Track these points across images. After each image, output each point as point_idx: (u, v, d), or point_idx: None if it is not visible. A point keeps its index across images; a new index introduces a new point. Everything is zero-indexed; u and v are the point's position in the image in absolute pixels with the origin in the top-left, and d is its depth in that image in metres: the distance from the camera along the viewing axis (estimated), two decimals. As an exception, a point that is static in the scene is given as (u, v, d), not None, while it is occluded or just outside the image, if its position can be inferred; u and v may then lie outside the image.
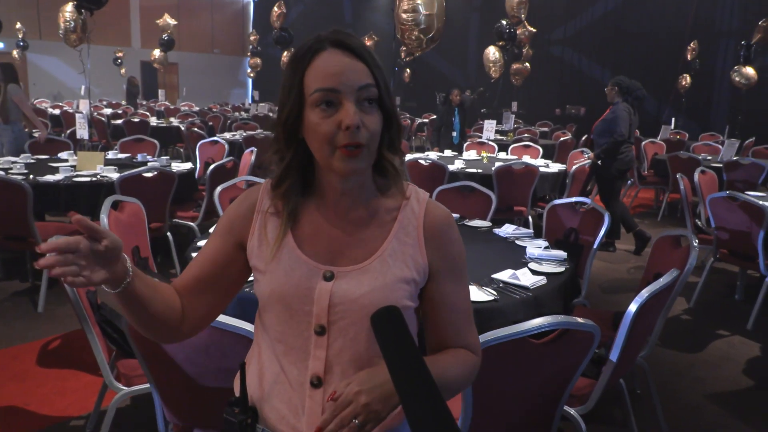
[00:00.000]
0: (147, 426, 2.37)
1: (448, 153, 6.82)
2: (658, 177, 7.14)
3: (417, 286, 1.02)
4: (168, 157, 6.24)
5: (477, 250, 2.60)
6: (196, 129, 8.34)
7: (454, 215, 1.11)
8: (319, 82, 0.92)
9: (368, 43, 14.53)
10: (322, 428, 0.86)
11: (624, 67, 11.55)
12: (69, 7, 6.94)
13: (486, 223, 3.13)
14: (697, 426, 2.66)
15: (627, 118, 5.08)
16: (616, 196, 5.39)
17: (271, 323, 1.02)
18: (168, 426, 1.81)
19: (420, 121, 13.90)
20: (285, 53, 12.94)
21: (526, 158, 6.19)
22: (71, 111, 11.08)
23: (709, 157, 7.20)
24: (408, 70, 15.98)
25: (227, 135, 8.29)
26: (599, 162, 5.23)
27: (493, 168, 4.99)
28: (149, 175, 3.98)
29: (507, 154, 6.99)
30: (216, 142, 6.15)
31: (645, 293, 1.84)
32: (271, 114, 12.40)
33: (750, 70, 10.28)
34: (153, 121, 10.31)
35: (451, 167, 5.16)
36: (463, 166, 5.51)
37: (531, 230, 3.01)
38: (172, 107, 14.65)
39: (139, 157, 5.35)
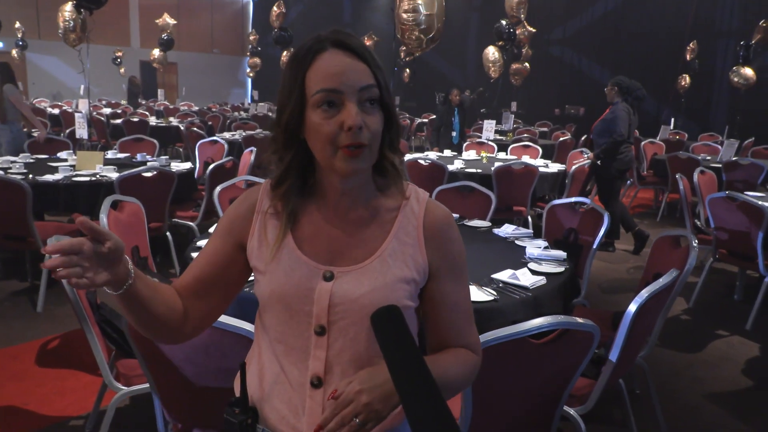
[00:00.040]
0: (146, 426, 2.36)
1: (447, 153, 6.82)
2: (657, 177, 7.15)
3: (417, 286, 1.02)
4: (167, 156, 6.24)
5: (476, 250, 2.60)
6: (195, 129, 8.33)
7: (454, 215, 1.11)
8: (320, 83, 0.92)
9: (368, 42, 14.53)
10: (323, 426, 0.86)
11: (623, 67, 11.55)
12: (68, 7, 6.94)
13: (485, 223, 3.13)
14: (696, 426, 2.66)
15: (626, 118, 5.08)
16: (616, 196, 5.40)
17: (271, 323, 1.02)
18: (168, 426, 1.81)
19: (419, 120, 13.90)
20: (285, 53, 12.93)
21: (526, 158, 6.19)
22: (70, 110, 11.07)
23: (708, 158, 7.21)
24: (407, 70, 15.97)
25: (226, 135, 8.29)
26: (599, 162, 5.23)
27: (492, 168, 4.99)
28: (149, 174, 3.98)
29: (506, 154, 6.99)
30: (215, 141, 6.14)
31: (645, 293, 1.84)
32: (270, 114, 12.40)
33: (748, 71, 10.28)
34: (152, 120, 10.31)
35: (450, 167, 5.16)
36: (462, 166, 5.51)
37: (530, 230, 3.01)
38: (171, 107, 14.65)
39: (139, 157, 5.35)
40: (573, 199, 3.29)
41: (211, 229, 2.69)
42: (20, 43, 16.39)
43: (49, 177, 4.06)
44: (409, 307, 1.01)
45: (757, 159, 6.70)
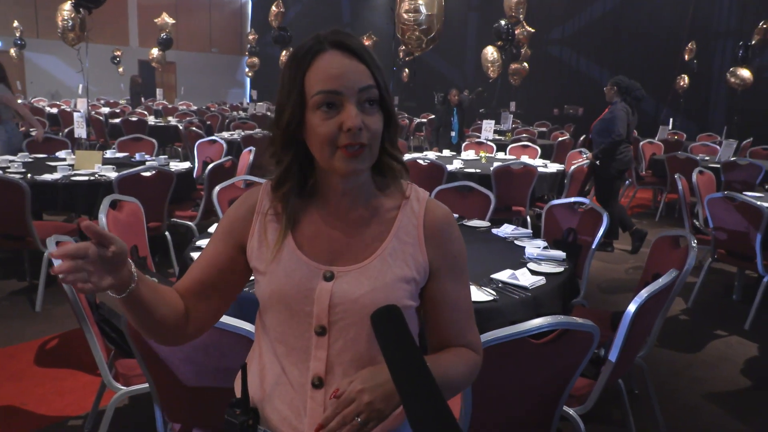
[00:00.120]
0: (146, 426, 2.36)
1: (446, 153, 6.82)
2: (656, 177, 7.15)
3: (417, 286, 1.02)
4: (166, 156, 6.23)
5: (476, 250, 2.60)
6: (194, 128, 8.32)
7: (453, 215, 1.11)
8: (320, 85, 0.92)
9: (367, 42, 14.52)
10: (324, 426, 0.86)
11: (622, 68, 11.56)
12: (67, 6, 6.93)
13: (485, 223, 3.13)
14: (695, 426, 2.66)
15: (625, 118, 5.09)
16: (615, 196, 5.41)
17: (272, 324, 1.02)
18: (167, 426, 1.81)
19: (418, 120, 13.90)
20: (283, 52, 12.93)
21: (525, 158, 6.20)
22: (69, 110, 11.06)
23: (707, 158, 7.21)
24: (406, 69, 15.98)
25: (225, 134, 8.28)
26: (597, 162, 5.24)
27: (491, 168, 5.00)
28: (147, 174, 3.98)
29: (505, 154, 7.00)
30: (214, 141, 6.14)
31: (644, 293, 1.84)
32: (269, 113, 12.39)
33: (745, 72, 10.30)
34: (151, 120, 10.29)
35: (449, 167, 5.16)
36: (461, 165, 5.51)
37: (530, 230, 3.01)
38: (170, 106, 14.63)
39: (137, 157, 5.34)
40: (572, 199, 3.29)
41: (211, 229, 2.69)
42: (19, 42, 16.37)
43: (47, 176, 4.05)
44: (410, 307, 1.01)
45: (755, 159, 6.71)
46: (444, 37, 5.52)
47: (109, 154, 5.48)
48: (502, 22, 9.60)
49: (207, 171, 4.26)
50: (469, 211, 3.47)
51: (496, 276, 2.17)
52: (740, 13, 12.59)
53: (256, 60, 16.72)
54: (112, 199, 2.81)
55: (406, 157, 5.33)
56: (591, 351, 1.60)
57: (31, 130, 5.73)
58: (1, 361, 2.97)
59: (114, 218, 2.76)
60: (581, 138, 8.53)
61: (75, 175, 4.16)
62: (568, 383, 1.68)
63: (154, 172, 4.01)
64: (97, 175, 4.18)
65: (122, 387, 2.01)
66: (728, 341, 3.59)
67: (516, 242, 2.74)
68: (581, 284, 2.87)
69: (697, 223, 4.62)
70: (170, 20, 14.78)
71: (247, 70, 17.61)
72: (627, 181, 7.17)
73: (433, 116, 12.31)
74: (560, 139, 8.73)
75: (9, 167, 4.41)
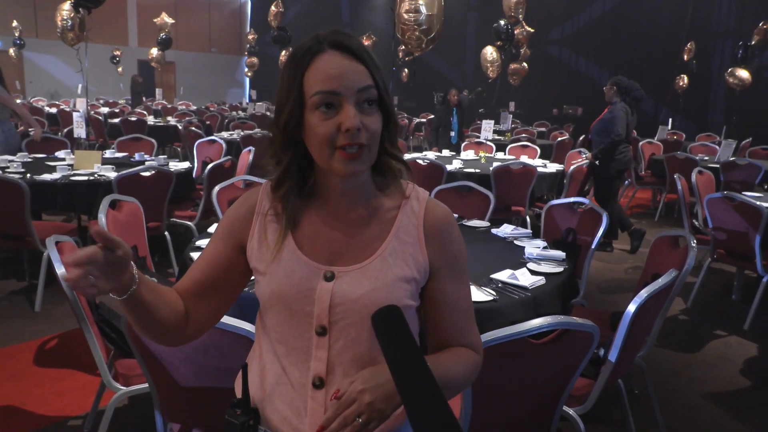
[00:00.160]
0: (145, 426, 2.36)
1: (446, 153, 6.83)
2: (655, 177, 7.16)
3: (418, 285, 1.02)
4: (165, 156, 6.23)
5: (475, 250, 2.60)
6: (193, 128, 8.32)
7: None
8: (318, 85, 0.92)
9: (366, 42, 14.52)
10: (325, 427, 0.86)
11: (621, 68, 11.57)
12: (66, 6, 6.92)
13: (484, 223, 3.13)
14: (695, 426, 2.66)
15: (624, 118, 5.09)
16: (614, 196, 5.41)
17: (272, 324, 1.02)
18: (167, 426, 1.80)
19: (418, 120, 13.90)
20: (283, 52, 12.92)
21: (524, 158, 6.20)
22: (68, 110, 11.05)
23: (706, 158, 7.22)
24: (406, 69, 15.98)
25: (225, 134, 8.27)
26: (597, 162, 5.24)
27: (491, 168, 5.00)
28: (147, 174, 3.98)
29: (505, 154, 7.00)
30: (213, 141, 6.13)
31: (644, 293, 1.84)
32: (268, 113, 12.39)
33: (744, 73, 10.31)
34: (150, 120, 10.29)
35: (449, 167, 5.16)
36: (461, 165, 5.51)
37: (529, 230, 3.01)
38: (169, 106, 14.63)
39: (137, 156, 5.34)
40: (571, 199, 3.30)
41: (210, 229, 2.69)
42: (18, 41, 16.35)
43: (47, 176, 4.05)
44: (410, 307, 1.01)
45: (754, 159, 6.72)
46: (443, 37, 5.52)
47: (108, 154, 5.47)
48: (502, 22, 9.61)
49: (206, 171, 4.25)
50: (469, 211, 3.47)
51: (496, 276, 2.17)
52: (739, 13, 12.60)
53: (255, 60, 16.72)
54: (112, 199, 2.81)
55: (406, 157, 5.31)
56: (591, 351, 1.60)
57: (29, 129, 5.72)
58: (0, 361, 2.97)
59: (113, 218, 2.75)
60: (580, 138, 8.54)
61: (74, 175, 4.16)
62: (568, 383, 1.68)
63: (153, 172, 4.00)
64: (96, 175, 4.18)
65: (122, 387, 2.01)
66: (727, 341, 3.60)
67: (515, 242, 2.74)
68: (581, 284, 2.87)
69: (696, 223, 4.62)
70: (169, 20, 14.77)
71: (246, 70, 17.61)
72: (626, 181, 7.18)
73: (432, 116, 12.31)
74: (559, 139, 8.73)
75: (8, 167, 4.40)
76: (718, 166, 6.16)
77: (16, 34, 16.20)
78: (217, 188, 3.39)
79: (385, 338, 0.81)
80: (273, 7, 12.69)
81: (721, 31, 13.06)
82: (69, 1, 6.79)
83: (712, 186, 4.84)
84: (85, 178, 4.08)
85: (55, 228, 3.95)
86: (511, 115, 11.46)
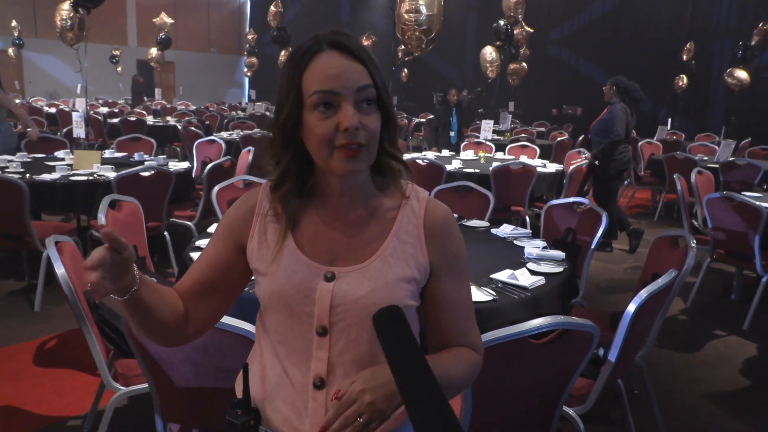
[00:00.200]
0: (145, 426, 2.36)
1: (445, 153, 6.83)
2: (654, 177, 7.16)
3: (418, 285, 1.02)
4: (165, 156, 6.22)
5: (475, 250, 2.60)
6: (192, 128, 8.31)
7: (451, 215, 1.11)
8: (317, 84, 0.92)
9: (366, 43, 14.53)
10: (326, 427, 0.86)
11: (621, 68, 11.56)
12: (66, 6, 6.92)
13: (484, 223, 3.13)
14: (694, 426, 2.66)
15: (624, 118, 5.10)
16: (614, 197, 5.41)
17: (273, 325, 1.02)
18: (166, 426, 1.80)
19: (417, 120, 13.90)
20: (282, 52, 12.91)
21: (524, 158, 6.20)
22: (67, 110, 11.03)
23: (705, 158, 7.23)
24: (405, 69, 15.98)
25: (224, 134, 8.27)
26: (596, 162, 5.24)
27: (490, 168, 5.00)
28: (146, 174, 3.97)
29: (504, 154, 7.00)
30: (213, 141, 6.13)
31: (644, 293, 1.84)
32: (268, 113, 12.39)
33: (742, 74, 10.31)
34: (149, 120, 10.28)
35: (448, 167, 5.16)
36: (460, 166, 5.51)
37: (529, 230, 3.01)
38: (168, 106, 14.62)
39: (136, 156, 5.34)
40: (571, 199, 3.30)
41: (210, 229, 2.69)
42: (17, 41, 16.34)
43: (46, 176, 4.05)
44: (411, 307, 1.01)
45: (754, 159, 6.72)
46: (443, 37, 5.52)
47: (107, 153, 5.47)
48: (501, 22, 9.61)
49: (206, 171, 4.25)
50: (468, 211, 3.47)
51: (496, 276, 2.17)
52: (739, 13, 12.61)
53: (254, 60, 16.72)
54: (111, 199, 2.81)
55: (405, 157, 5.32)
56: (591, 351, 1.60)
57: (27, 129, 5.71)
58: (-1, 361, 2.97)
59: (113, 218, 2.75)
60: (580, 138, 8.55)
61: (73, 175, 4.16)
62: (567, 383, 1.68)
63: (152, 172, 4.00)
64: (95, 175, 4.18)
65: (121, 387, 2.01)
66: (727, 341, 3.60)
67: (515, 242, 2.74)
68: (580, 284, 2.88)
69: (695, 223, 4.62)
70: (169, 20, 14.77)
71: (245, 70, 17.60)
72: (626, 181, 7.19)
73: (431, 116, 12.31)
74: (559, 139, 8.74)
75: (7, 167, 4.40)
76: (717, 166, 6.17)
77: (15, 34, 16.19)
78: (216, 188, 3.39)
79: (386, 338, 0.81)
80: (272, 7, 12.68)
81: (720, 31, 13.08)
82: (68, 1, 6.79)
83: (711, 186, 4.85)
84: (85, 178, 4.07)
85: (54, 228, 3.94)
86: (511, 115, 11.47)
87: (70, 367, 2.92)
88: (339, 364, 0.98)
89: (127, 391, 2.00)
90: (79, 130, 6.34)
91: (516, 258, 2.47)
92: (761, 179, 5.95)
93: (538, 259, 2.43)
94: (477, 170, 5.24)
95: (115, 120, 9.78)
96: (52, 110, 11.70)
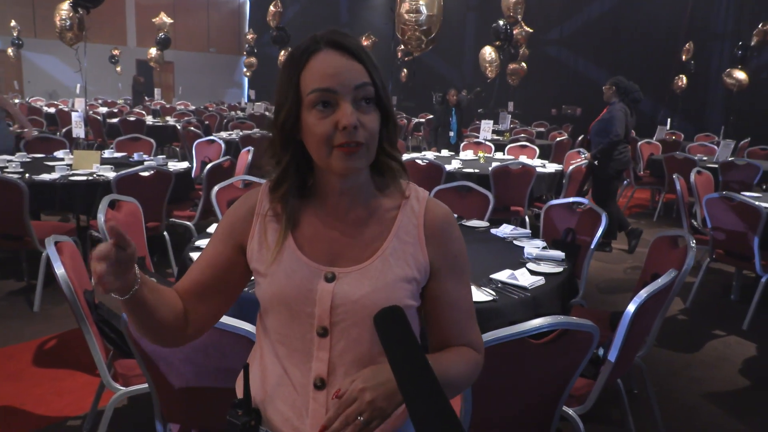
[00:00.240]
0: (145, 426, 2.36)
1: (445, 153, 6.83)
2: (654, 177, 7.17)
3: (418, 285, 1.02)
4: (164, 156, 6.22)
5: (475, 250, 2.60)
6: (192, 128, 8.31)
7: (451, 215, 1.11)
8: (315, 83, 0.92)
9: (365, 43, 14.53)
10: (327, 426, 0.86)
11: (620, 68, 11.56)
12: (65, 5, 6.91)
13: (483, 223, 3.13)
14: (694, 426, 2.66)
15: (623, 118, 5.10)
16: (613, 197, 5.42)
17: (273, 325, 1.02)
18: (166, 426, 1.80)
19: (417, 120, 13.90)
20: (282, 52, 12.91)
21: (523, 158, 6.20)
22: (67, 109, 11.03)
23: (704, 158, 7.23)
24: (405, 69, 15.98)
25: (224, 134, 8.27)
26: (596, 162, 5.25)
27: (490, 168, 5.00)
28: (146, 174, 3.97)
29: (504, 154, 7.00)
30: (212, 141, 6.13)
31: (644, 293, 1.84)
32: (267, 113, 12.39)
33: (741, 74, 10.32)
34: (149, 120, 10.28)
35: (448, 167, 5.16)
36: (460, 166, 5.51)
37: (528, 230, 3.01)
38: (168, 106, 14.62)
39: (136, 156, 5.33)
40: (570, 200, 3.30)
41: (210, 229, 2.69)
42: (16, 41, 16.33)
43: (45, 176, 4.04)
44: (411, 307, 1.01)
45: (753, 159, 6.72)
46: (442, 37, 5.53)
47: (107, 153, 5.47)
48: (501, 22, 9.61)
49: (205, 171, 4.25)
50: (468, 211, 3.47)
51: (496, 276, 2.17)
52: (738, 14, 12.62)
53: (254, 60, 16.72)
54: (111, 199, 2.81)
55: (405, 157, 5.33)
56: (591, 351, 1.60)
57: (23, 129, 5.70)
58: (-1, 361, 2.97)
59: (113, 218, 2.75)
60: (579, 138, 8.55)
61: (73, 175, 4.16)
62: (567, 383, 1.68)
63: (152, 172, 4.00)
64: (95, 175, 4.18)
65: (121, 387, 2.01)
66: (726, 341, 3.60)
67: (515, 242, 2.74)
68: (580, 284, 2.88)
69: (695, 223, 4.63)
70: (168, 20, 14.77)
71: (245, 69, 17.60)
72: (625, 182, 7.19)
73: (431, 116, 12.31)
74: (558, 139, 8.74)
75: (7, 167, 4.40)
76: (716, 166, 6.17)
77: (15, 34, 16.18)
78: (216, 188, 3.39)
79: (387, 338, 0.81)
80: (272, 7, 12.68)
81: (719, 31, 13.08)
82: (68, 1, 6.78)
83: (710, 186, 4.85)
84: (84, 178, 4.07)
85: (53, 228, 3.94)
86: (510, 115, 11.46)
87: (70, 367, 2.92)
88: (340, 364, 0.97)
89: (127, 391, 2.00)
90: (78, 130, 6.34)
91: (516, 258, 2.47)
92: (760, 179, 5.96)
93: (538, 259, 2.43)
94: (476, 170, 5.24)
95: (115, 120, 9.77)
96: (52, 110, 11.69)
